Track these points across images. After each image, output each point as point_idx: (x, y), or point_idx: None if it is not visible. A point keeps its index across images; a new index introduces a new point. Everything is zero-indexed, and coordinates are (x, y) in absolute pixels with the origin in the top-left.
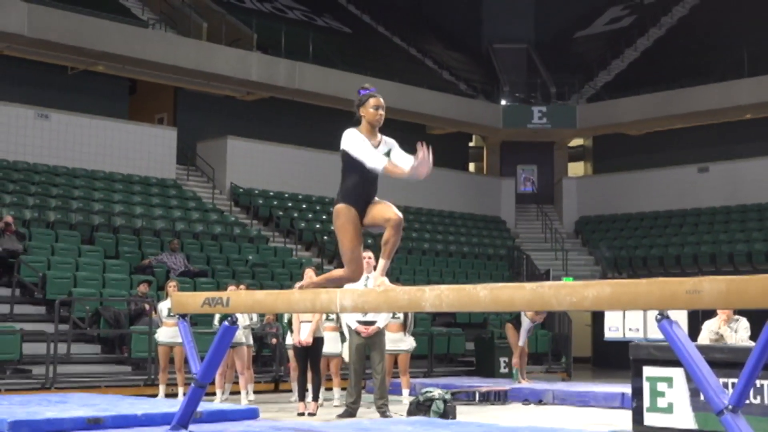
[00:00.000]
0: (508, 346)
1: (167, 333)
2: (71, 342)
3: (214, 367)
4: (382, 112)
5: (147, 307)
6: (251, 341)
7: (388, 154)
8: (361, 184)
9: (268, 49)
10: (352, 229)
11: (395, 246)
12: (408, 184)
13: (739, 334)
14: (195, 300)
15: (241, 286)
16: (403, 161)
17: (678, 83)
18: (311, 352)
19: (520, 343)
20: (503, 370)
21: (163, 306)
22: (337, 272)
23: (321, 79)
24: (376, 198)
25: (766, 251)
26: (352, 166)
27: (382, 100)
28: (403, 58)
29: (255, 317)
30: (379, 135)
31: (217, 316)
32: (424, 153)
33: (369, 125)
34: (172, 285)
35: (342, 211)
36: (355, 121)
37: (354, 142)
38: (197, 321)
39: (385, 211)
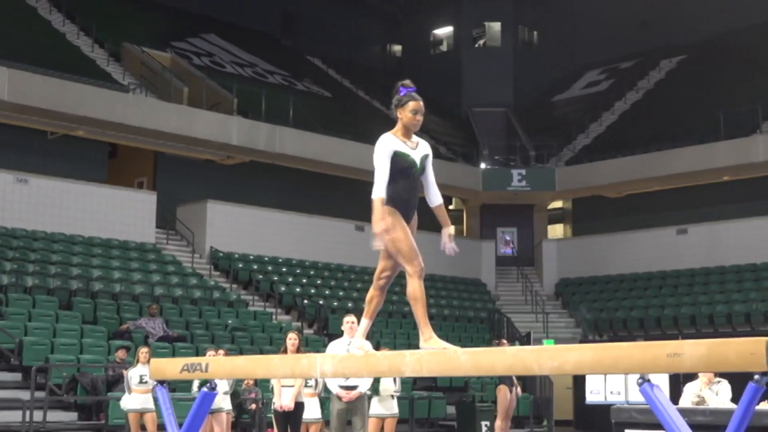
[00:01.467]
0: (491, 409)
1: (137, 400)
2: (47, 409)
3: None
4: (420, 117)
5: (124, 373)
6: (230, 406)
7: (425, 159)
8: (404, 190)
9: (249, 114)
10: (402, 224)
11: (378, 307)
12: None
13: (720, 396)
14: (174, 366)
15: (220, 351)
16: (428, 181)
17: (656, 146)
18: (292, 418)
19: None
20: None
21: (134, 373)
22: (411, 287)
23: (301, 142)
24: (415, 218)
25: (745, 312)
26: (393, 171)
27: (422, 103)
28: (384, 121)
29: (232, 382)
30: (414, 137)
31: (196, 382)
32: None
33: (404, 128)
34: (143, 351)
35: (393, 212)
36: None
37: (378, 157)
38: (174, 387)
39: (410, 254)
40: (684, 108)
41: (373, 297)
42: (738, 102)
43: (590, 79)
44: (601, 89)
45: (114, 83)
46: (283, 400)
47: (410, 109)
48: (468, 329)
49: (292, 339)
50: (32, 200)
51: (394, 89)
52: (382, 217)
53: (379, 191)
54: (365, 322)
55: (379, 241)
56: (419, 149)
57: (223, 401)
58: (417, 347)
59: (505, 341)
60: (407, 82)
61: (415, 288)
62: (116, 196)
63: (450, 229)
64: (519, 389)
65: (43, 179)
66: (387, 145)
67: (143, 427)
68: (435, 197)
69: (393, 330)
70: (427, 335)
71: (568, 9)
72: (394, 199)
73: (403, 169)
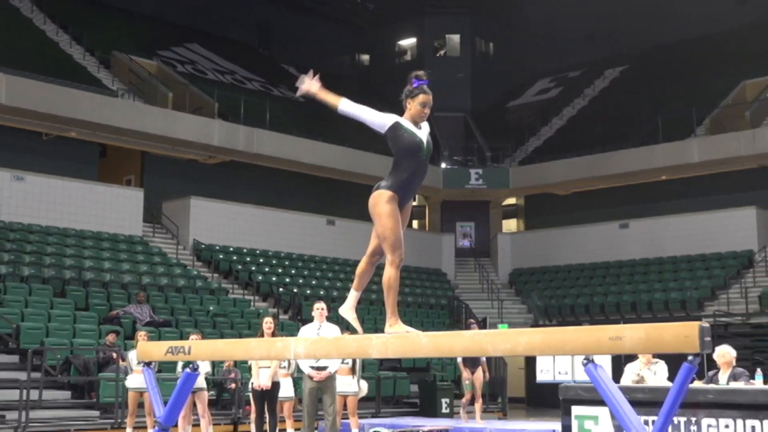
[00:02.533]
0: (450, 388)
1: (137, 380)
2: (43, 389)
3: (176, 411)
4: (428, 110)
5: (114, 355)
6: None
7: (429, 141)
8: (411, 173)
9: (229, 117)
10: (395, 214)
11: (367, 281)
12: (357, 239)
13: (658, 375)
14: (159, 349)
15: (198, 335)
16: None
17: (600, 148)
18: (269, 396)
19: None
20: (445, 410)
21: (133, 355)
22: (388, 274)
23: (277, 144)
24: (410, 202)
25: (680, 299)
26: (400, 150)
27: (431, 97)
28: (353, 125)
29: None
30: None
31: (180, 363)
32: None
33: (411, 119)
34: (142, 335)
35: (386, 196)
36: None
37: (378, 112)
38: (162, 368)
39: (395, 244)
40: (626, 113)
41: (364, 271)
42: (675, 108)
43: (541, 87)
44: (551, 96)
45: (104, 88)
46: (261, 380)
47: (420, 101)
48: (429, 315)
49: (267, 323)
50: (28, 196)
51: (408, 79)
52: (326, 94)
53: (346, 101)
54: (353, 294)
55: (306, 86)
56: (423, 130)
57: (204, 381)
58: (383, 331)
59: (474, 323)
60: (421, 73)
61: (391, 276)
62: (106, 193)
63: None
64: (485, 372)
65: (38, 177)
66: (392, 115)
67: (141, 405)
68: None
69: (361, 315)
70: (392, 321)
71: (521, 23)
72: (396, 183)
73: (410, 147)
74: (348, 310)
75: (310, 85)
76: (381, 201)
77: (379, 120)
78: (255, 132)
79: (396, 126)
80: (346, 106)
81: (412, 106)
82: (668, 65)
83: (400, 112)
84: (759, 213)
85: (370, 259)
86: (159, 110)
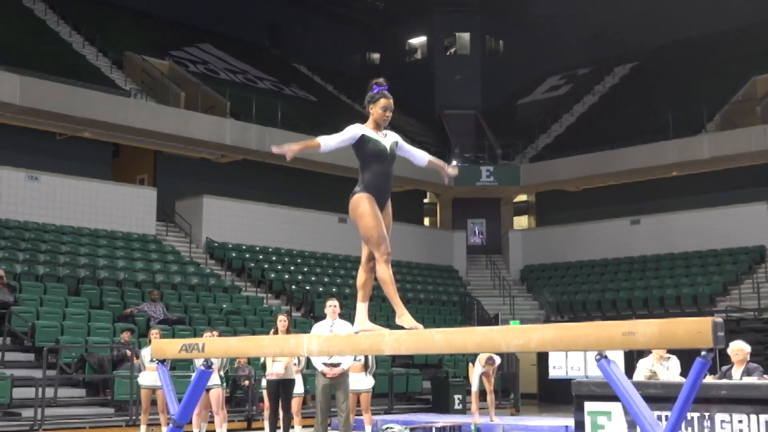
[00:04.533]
0: (462, 384)
1: (150, 377)
2: (58, 386)
3: (190, 408)
4: (389, 114)
5: (129, 353)
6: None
7: (394, 146)
8: (378, 175)
9: (241, 116)
10: (375, 213)
11: (371, 288)
12: None
13: (670, 371)
14: (173, 346)
15: (215, 333)
16: (411, 152)
17: (611, 144)
18: (283, 393)
19: (473, 388)
20: (457, 406)
21: (146, 352)
22: (380, 271)
23: (288, 142)
24: (389, 205)
25: (692, 295)
26: (366, 157)
27: (392, 101)
28: (363, 122)
29: (224, 361)
30: (384, 130)
31: (197, 361)
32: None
33: (375, 123)
34: (154, 333)
35: (363, 198)
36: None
37: (344, 132)
38: (176, 365)
39: (379, 240)
40: (636, 110)
41: (364, 281)
42: (685, 105)
43: (551, 84)
44: (561, 93)
45: (117, 89)
46: (274, 368)
47: (381, 105)
48: (442, 312)
49: (282, 321)
50: (43, 196)
51: (368, 86)
52: (302, 145)
53: (322, 138)
54: (362, 306)
55: (277, 149)
56: (388, 138)
57: (218, 378)
58: (396, 328)
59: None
60: (381, 80)
61: (383, 272)
62: (119, 192)
63: (447, 166)
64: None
65: (52, 177)
66: (355, 127)
67: (154, 402)
68: (422, 157)
69: (374, 313)
70: (400, 312)
71: (531, 21)
72: (368, 185)
73: (375, 154)
74: (362, 323)
75: (283, 148)
76: (359, 203)
77: (348, 136)
78: (267, 131)
79: (361, 139)
80: (325, 141)
81: (375, 110)
82: (678, 62)
83: (411, 112)
84: None
85: (366, 266)
86: (172, 110)
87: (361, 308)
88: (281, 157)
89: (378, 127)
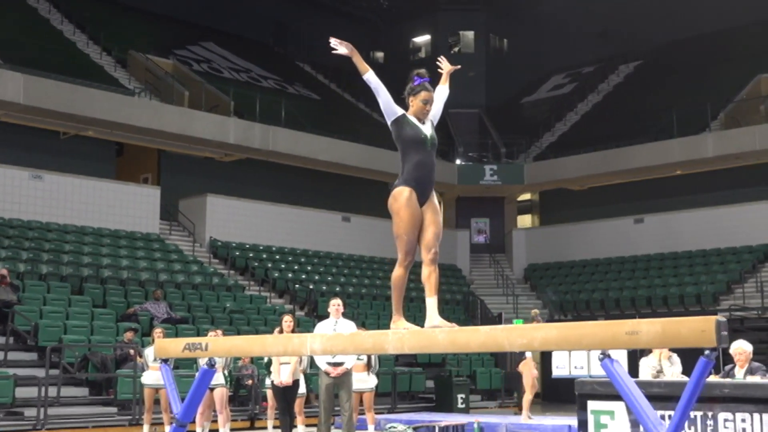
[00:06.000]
0: (465, 383)
1: (153, 376)
2: (61, 385)
3: (194, 408)
4: (429, 107)
5: (132, 352)
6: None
7: (434, 133)
8: (419, 166)
9: (244, 115)
10: (410, 212)
11: (438, 279)
12: (372, 236)
13: (674, 368)
14: (176, 345)
15: (218, 332)
16: (441, 106)
17: (615, 143)
18: (289, 393)
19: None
20: (461, 405)
21: (149, 351)
22: (395, 273)
23: (292, 141)
24: (435, 198)
25: (696, 294)
26: (405, 144)
27: (433, 94)
28: (367, 122)
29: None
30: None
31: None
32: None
33: (414, 116)
34: (158, 332)
35: (404, 193)
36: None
37: (389, 97)
38: (179, 365)
39: (432, 239)
40: (640, 108)
41: (428, 275)
42: (689, 103)
43: (555, 83)
44: (565, 92)
45: (121, 87)
46: (282, 376)
47: (422, 98)
48: (445, 310)
49: (287, 321)
50: (46, 195)
51: (409, 77)
52: (358, 56)
53: (373, 72)
54: (430, 302)
55: (338, 42)
56: (427, 125)
57: (222, 377)
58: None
59: (536, 312)
60: (422, 71)
61: (398, 276)
62: (123, 191)
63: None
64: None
65: (56, 176)
66: (400, 108)
67: (157, 401)
68: (444, 94)
69: (377, 311)
70: (395, 319)
71: (535, 19)
72: (408, 178)
73: (414, 140)
74: (432, 318)
75: (345, 47)
76: (398, 198)
77: (392, 107)
78: (270, 129)
79: (402, 118)
80: (372, 76)
81: (415, 103)
82: (682, 60)
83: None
84: None
85: (424, 261)
86: (175, 109)
87: (429, 305)
88: (284, 156)
89: (418, 120)
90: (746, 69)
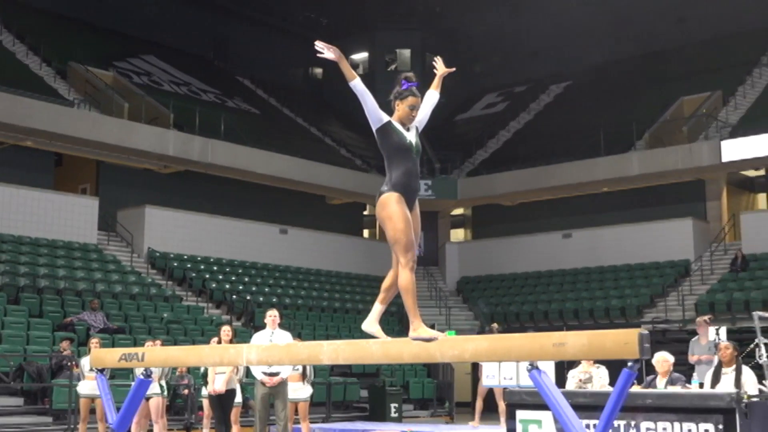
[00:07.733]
0: (399, 392)
1: (88, 386)
2: None
3: (129, 417)
4: (416, 113)
5: (69, 362)
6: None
7: (419, 138)
8: (405, 173)
9: (184, 128)
10: (405, 214)
11: (395, 293)
12: (309, 248)
13: (601, 371)
14: (112, 355)
15: (157, 342)
16: (428, 112)
17: (545, 160)
18: (225, 402)
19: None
20: (394, 414)
21: (86, 361)
22: (403, 277)
23: (231, 154)
24: (417, 206)
25: (620, 307)
26: (391, 151)
27: (420, 100)
28: (306, 136)
29: (166, 370)
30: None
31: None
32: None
33: (400, 120)
34: (94, 342)
35: (392, 198)
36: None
37: (375, 102)
38: (116, 374)
39: (407, 246)
40: (569, 127)
41: (391, 284)
42: (616, 123)
43: (489, 101)
44: (498, 110)
45: (60, 98)
46: (216, 385)
47: (408, 103)
48: (380, 322)
49: (226, 331)
50: None
51: (396, 81)
52: (345, 62)
53: (360, 81)
54: (378, 308)
55: (324, 45)
56: (412, 132)
57: (159, 387)
58: (334, 338)
59: (495, 325)
60: (410, 75)
61: (406, 279)
62: (61, 201)
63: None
64: None
65: None
66: (386, 115)
67: (93, 411)
68: (434, 100)
69: (313, 323)
70: (416, 326)
71: (469, 39)
72: (396, 184)
73: (400, 148)
74: (371, 323)
75: (332, 52)
76: (388, 203)
77: (377, 114)
78: (209, 142)
79: (387, 126)
80: (359, 83)
81: (401, 107)
82: (610, 82)
83: (352, 126)
84: (695, 224)
85: (395, 270)
86: (115, 120)
87: (375, 309)
88: (223, 168)
89: (403, 125)
90: (670, 91)
